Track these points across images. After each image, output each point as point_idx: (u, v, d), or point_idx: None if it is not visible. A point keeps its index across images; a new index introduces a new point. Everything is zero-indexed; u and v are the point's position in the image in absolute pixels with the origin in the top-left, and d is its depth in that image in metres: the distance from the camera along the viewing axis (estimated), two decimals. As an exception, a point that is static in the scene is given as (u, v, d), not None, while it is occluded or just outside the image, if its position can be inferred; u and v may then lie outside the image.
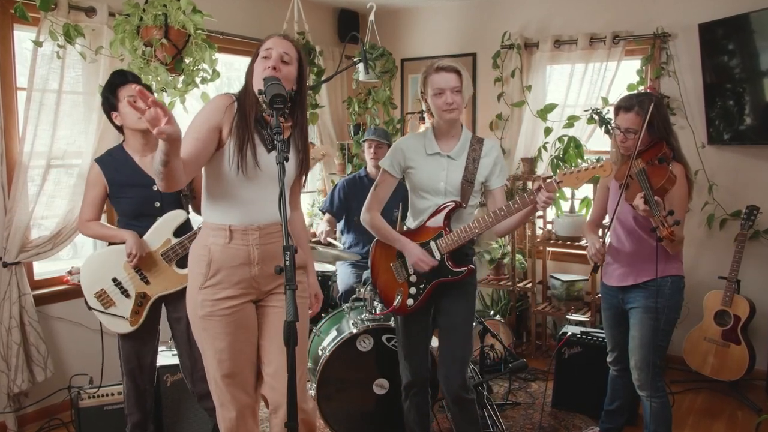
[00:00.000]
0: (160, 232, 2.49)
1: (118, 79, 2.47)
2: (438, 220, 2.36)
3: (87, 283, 2.50)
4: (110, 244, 2.56)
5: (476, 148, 2.37)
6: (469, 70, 2.99)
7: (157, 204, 2.50)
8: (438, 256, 2.35)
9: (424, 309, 2.46)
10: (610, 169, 2.18)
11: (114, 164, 2.50)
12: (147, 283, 2.50)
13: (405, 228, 2.48)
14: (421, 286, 2.41)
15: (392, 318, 3.02)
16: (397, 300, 2.42)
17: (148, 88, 2.56)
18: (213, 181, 1.97)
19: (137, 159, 2.51)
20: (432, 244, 2.37)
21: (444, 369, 2.44)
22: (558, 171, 3.96)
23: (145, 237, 2.48)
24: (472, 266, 2.37)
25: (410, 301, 2.42)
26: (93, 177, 2.49)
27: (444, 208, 2.35)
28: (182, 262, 2.48)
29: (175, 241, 2.49)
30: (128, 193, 2.48)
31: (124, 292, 2.49)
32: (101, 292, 2.48)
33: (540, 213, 4.17)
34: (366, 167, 3.97)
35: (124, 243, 2.45)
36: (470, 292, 2.47)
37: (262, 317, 2.06)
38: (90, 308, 2.49)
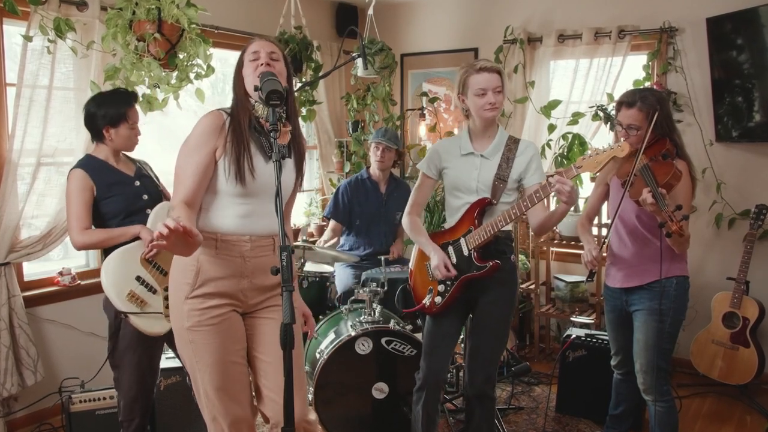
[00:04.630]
0: (159, 220, 2.45)
1: (132, 101, 2.48)
2: (470, 217, 2.36)
3: (114, 289, 2.37)
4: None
5: (511, 148, 2.38)
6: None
7: (145, 196, 2.50)
8: (466, 251, 2.35)
9: (455, 314, 2.46)
10: (629, 149, 2.12)
11: (95, 167, 2.47)
12: (165, 275, 2.44)
13: (441, 227, 2.53)
14: (449, 283, 2.40)
15: (391, 320, 2.97)
16: (427, 298, 2.44)
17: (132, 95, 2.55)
18: (210, 195, 1.91)
19: (112, 163, 2.52)
20: (462, 240, 2.38)
21: (471, 362, 2.47)
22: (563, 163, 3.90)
23: (148, 226, 2.45)
24: (497, 261, 2.33)
25: (438, 299, 2.42)
26: (80, 182, 2.42)
27: (475, 206, 2.35)
28: None
29: None
30: (116, 191, 2.45)
31: (151, 289, 2.42)
32: (132, 294, 2.38)
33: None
34: (368, 168, 3.89)
35: (131, 241, 2.41)
36: (508, 292, 2.44)
37: (252, 329, 1.99)
38: (125, 315, 2.36)
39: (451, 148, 2.44)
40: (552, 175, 2.11)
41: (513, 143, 2.39)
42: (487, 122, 2.36)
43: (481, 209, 2.34)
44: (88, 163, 2.48)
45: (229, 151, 1.85)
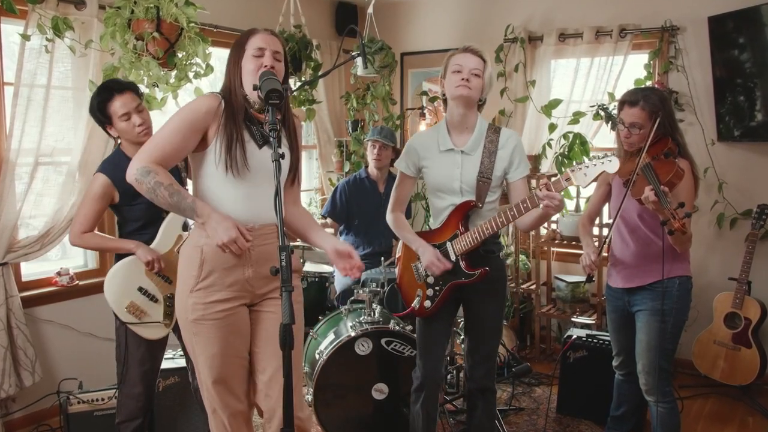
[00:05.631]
0: (170, 231, 2.45)
1: (106, 96, 2.39)
2: (455, 221, 2.31)
3: (115, 299, 2.41)
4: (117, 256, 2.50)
5: (493, 140, 2.28)
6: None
7: None
8: (453, 257, 2.31)
9: (446, 313, 2.43)
10: (618, 166, 2.10)
11: (122, 172, 2.37)
12: (170, 283, 2.45)
13: (427, 229, 2.49)
14: (437, 288, 2.36)
15: (391, 321, 2.95)
16: (416, 301, 2.40)
17: (137, 90, 2.49)
18: (202, 181, 1.92)
19: None
20: (448, 245, 2.33)
21: (470, 358, 2.46)
22: (564, 169, 3.88)
23: (156, 240, 2.44)
24: (486, 269, 2.29)
25: (428, 303, 2.39)
26: (102, 189, 2.39)
27: (460, 209, 2.30)
28: None
29: (186, 234, 2.44)
30: (141, 200, 2.38)
31: (152, 299, 2.44)
32: (131, 305, 2.41)
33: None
34: (366, 167, 3.87)
35: (129, 254, 2.40)
36: (498, 289, 2.41)
37: (255, 322, 1.99)
38: (124, 324, 2.42)
39: (429, 144, 2.34)
40: (540, 188, 2.07)
41: (494, 133, 2.29)
42: (458, 104, 2.24)
43: (465, 212, 2.29)
44: (116, 167, 2.39)
45: (221, 135, 1.84)
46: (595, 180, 2.12)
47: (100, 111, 2.39)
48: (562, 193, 2.12)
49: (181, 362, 2.84)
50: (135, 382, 2.47)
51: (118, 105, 2.37)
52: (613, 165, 2.06)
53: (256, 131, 1.88)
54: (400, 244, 2.54)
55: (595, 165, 2.07)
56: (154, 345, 2.48)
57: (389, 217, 2.47)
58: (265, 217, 1.92)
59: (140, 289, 2.42)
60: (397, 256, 2.56)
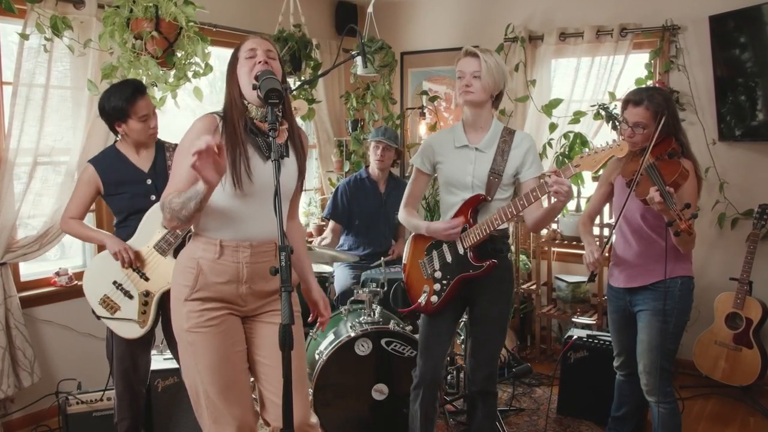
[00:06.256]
0: (150, 227, 2.46)
1: (135, 93, 2.41)
2: (464, 215, 2.32)
3: (90, 291, 2.47)
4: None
5: (507, 140, 2.33)
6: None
7: (153, 197, 2.50)
8: (461, 251, 2.31)
9: (451, 312, 2.43)
10: (627, 149, 2.10)
11: (108, 163, 2.50)
12: (147, 279, 2.46)
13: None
14: (445, 282, 2.36)
15: (391, 321, 2.94)
16: (423, 297, 2.40)
17: (139, 85, 2.50)
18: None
19: (131, 156, 2.53)
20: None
21: (472, 360, 2.46)
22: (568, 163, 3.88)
23: (135, 235, 2.46)
24: (494, 261, 2.29)
25: (434, 298, 2.39)
26: (87, 177, 2.49)
27: (469, 203, 2.31)
28: (178, 253, 2.43)
29: (165, 231, 2.45)
30: (124, 190, 2.48)
31: (127, 294, 2.45)
32: (105, 298, 2.44)
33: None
34: (366, 167, 3.86)
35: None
36: (505, 290, 2.43)
37: (252, 332, 1.97)
38: (99, 317, 2.46)
39: (445, 141, 2.39)
40: (549, 174, 2.07)
41: (508, 135, 2.34)
42: (468, 107, 2.33)
43: (475, 206, 2.31)
44: (103, 158, 2.52)
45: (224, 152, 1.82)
46: (604, 165, 2.11)
47: (122, 107, 2.40)
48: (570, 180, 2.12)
49: (180, 363, 2.84)
50: (117, 379, 2.51)
51: (143, 105, 2.43)
52: (622, 150, 2.05)
53: (261, 142, 1.86)
54: (406, 246, 2.54)
55: (603, 149, 2.08)
56: (134, 344, 2.49)
57: (401, 213, 2.50)
58: (264, 234, 1.90)
59: (114, 282, 2.45)
60: (403, 263, 2.55)
